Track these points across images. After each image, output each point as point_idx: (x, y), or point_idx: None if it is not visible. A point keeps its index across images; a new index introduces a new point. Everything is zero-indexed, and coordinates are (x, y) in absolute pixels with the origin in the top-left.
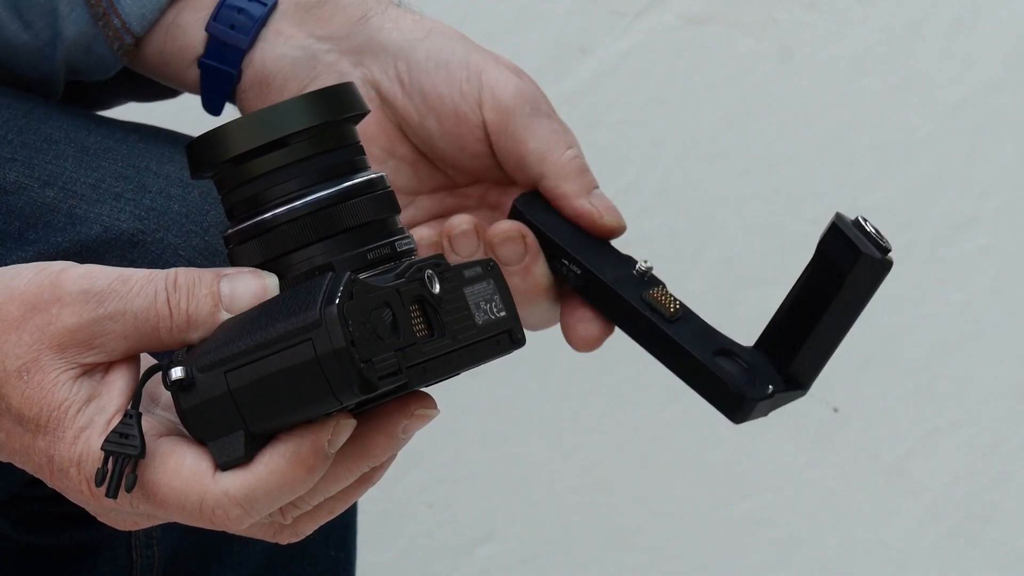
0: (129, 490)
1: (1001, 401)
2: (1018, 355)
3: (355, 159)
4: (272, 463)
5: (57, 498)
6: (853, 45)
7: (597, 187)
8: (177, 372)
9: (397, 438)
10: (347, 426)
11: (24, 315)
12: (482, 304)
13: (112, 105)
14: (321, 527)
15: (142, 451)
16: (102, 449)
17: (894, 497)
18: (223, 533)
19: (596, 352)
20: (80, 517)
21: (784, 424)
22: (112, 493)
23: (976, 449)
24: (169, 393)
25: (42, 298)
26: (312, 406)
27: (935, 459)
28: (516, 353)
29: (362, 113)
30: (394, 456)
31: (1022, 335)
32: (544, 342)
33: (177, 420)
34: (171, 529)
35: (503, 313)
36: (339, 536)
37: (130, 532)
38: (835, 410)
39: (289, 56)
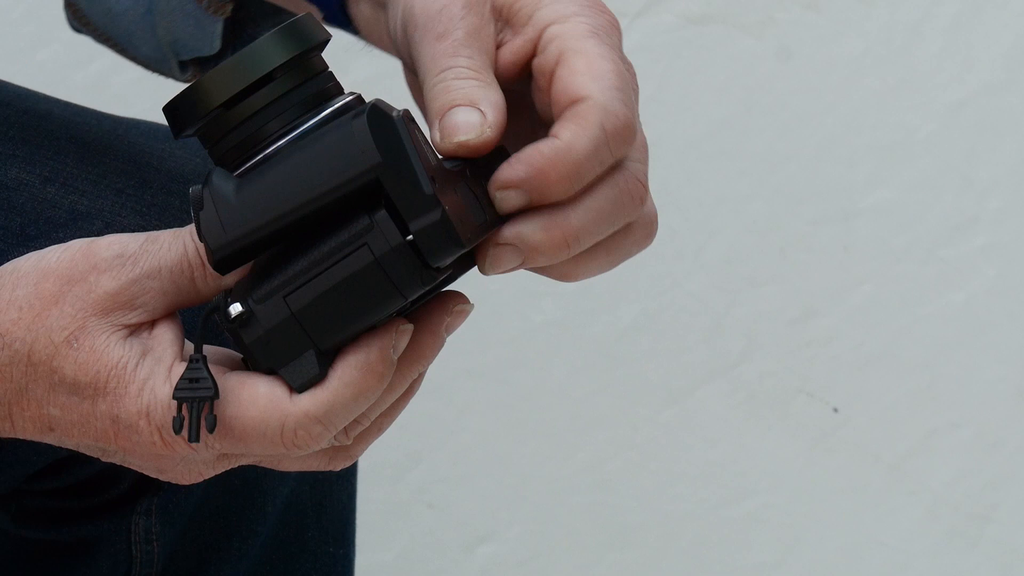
0: (212, 430)
1: (1001, 401)
2: (1018, 355)
3: (333, 83)
4: (346, 375)
5: (58, 493)
6: (853, 45)
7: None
8: (236, 308)
9: (441, 336)
10: (407, 331)
11: (62, 289)
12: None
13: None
14: (320, 524)
15: (216, 391)
16: (175, 398)
17: (894, 497)
18: (223, 529)
19: (596, 352)
20: (80, 512)
21: (784, 424)
22: (194, 437)
23: (976, 449)
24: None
25: (77, 269)
26: (378, 308)
27: (935, 459)
28: (516, 352)
29: (327, 39)
30: (425, 369)
31: (1022, 335)
32: (544, 342)
33: (223, 363)
34: (171, 525)
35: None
36: (338, 532)
37: (129, 528)
38: (835, 410)
39: None
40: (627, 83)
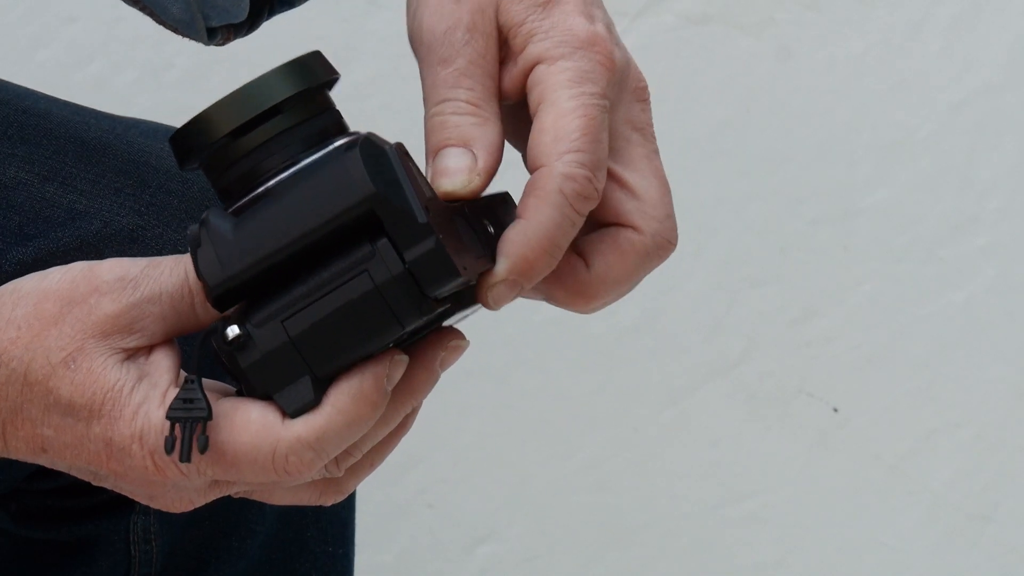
0: (203, 451)
1: (1001, 401)
2: (1018, 355)
3: (339, 122)
4: (339, 402)
5: (57, 493)
6: (853, 45)
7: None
8: (233, 330)
9: (436, 372)
10: (401, 362)
11: (62, 310)
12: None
13: None
14: (320, 523)
15: (209, 412)
16: (168, 418)
17: (894, 497)
18: (221, 529)
19: (596, 352)
20: (80, 512)
21: (784, 424)
22: (186, 457)
23: (976, 449)
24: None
25: (78, 291)
26: (376, 336)
27: (935, 459)
28: (516, 352)
29: (336, 78)
30: (420, 406)
31: (1022, 335)
32: (544, 342)
33: (218, 389)
34: (169, 525)
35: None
36: (338, 532)
37: (128, 528)
38: (835, 410)
39: None
40: (595, 137)
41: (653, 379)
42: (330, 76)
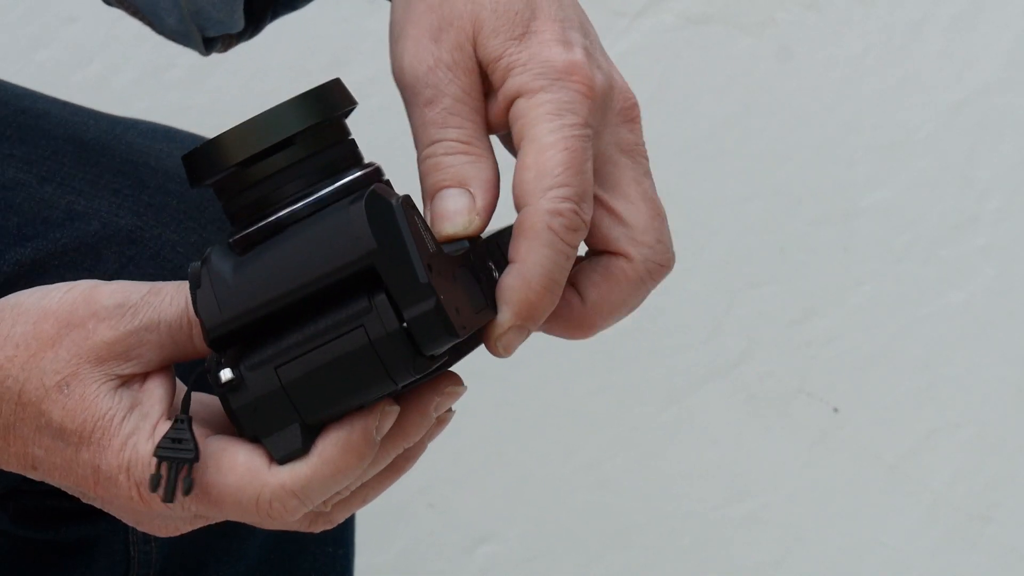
0: (187, 493)
1: (1001, 401)
2: (1018, 355)
3: (353, 152)
4: (325, 452)
5: (55, 493)
6: (853, 45)
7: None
8: (226, 374)
9: (429, 416)
10: (392, 413)
11: (60, 332)
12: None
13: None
14: None
15: (196, 455)
16: (156, 456)
17: (894, 497)
18: (221, 530)
19: (596, 352)
20: (78, 512)
21: (784, 424)
22: (169, 498)
23: (976, 449)
24: (187, 401)
25: (77, 314)
26: (368, 390)
27: (935, 459)
28: (516, 353)
29: (352, 106)
30: (424, 448)
31: (1022, 335)
32: (544, 342)
33: (209, 425)
34: None
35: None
36: (337, 533)
37: (127, 528)
38: (835, 410)
39: None
40: (578, 169)
41: (653, 379)
42: (348, 106)
